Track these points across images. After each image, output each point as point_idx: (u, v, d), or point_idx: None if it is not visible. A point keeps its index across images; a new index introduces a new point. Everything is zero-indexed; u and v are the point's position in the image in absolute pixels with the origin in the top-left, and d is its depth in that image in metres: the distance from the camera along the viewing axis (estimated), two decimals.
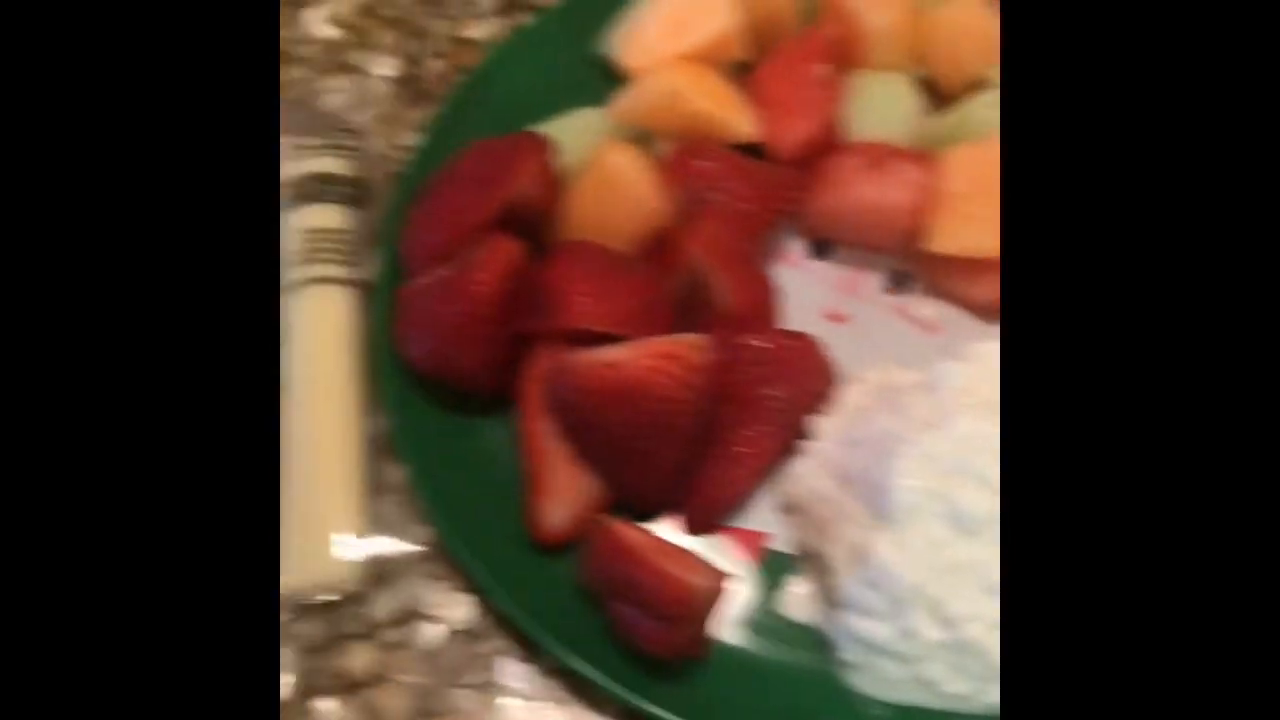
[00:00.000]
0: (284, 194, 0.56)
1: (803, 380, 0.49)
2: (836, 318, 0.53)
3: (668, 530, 0.49)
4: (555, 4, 0.61)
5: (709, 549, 0.49)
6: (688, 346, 0.45)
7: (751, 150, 0.54)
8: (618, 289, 0.47)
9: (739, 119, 0.53)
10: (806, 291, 0.54)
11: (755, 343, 0.48)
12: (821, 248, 0.56)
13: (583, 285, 0.46)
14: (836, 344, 0.50)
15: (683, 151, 0.52)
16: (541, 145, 0.49)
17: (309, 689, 0.47)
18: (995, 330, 0.48)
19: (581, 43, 0.59)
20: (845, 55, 0.55)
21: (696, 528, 0.49)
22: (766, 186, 0.52)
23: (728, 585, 0.45)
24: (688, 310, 0.51)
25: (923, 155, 0.53)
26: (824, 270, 0.55)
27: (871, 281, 0.54)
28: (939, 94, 0.57)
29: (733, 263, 0.49)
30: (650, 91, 0.53)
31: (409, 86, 0.62)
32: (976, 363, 0.46)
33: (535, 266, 0.49)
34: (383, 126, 0.61)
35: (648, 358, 0.44)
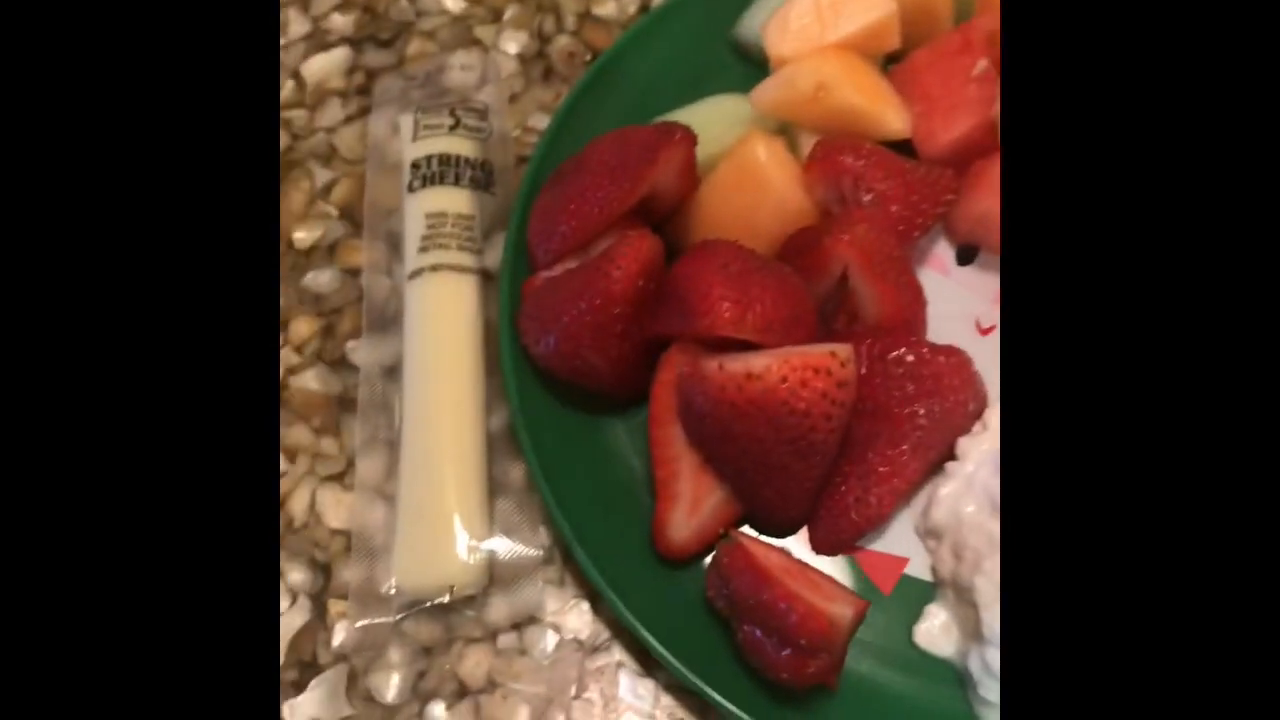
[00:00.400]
0: (407, 176, 0.54)
1: (951, 398, 0.45)
2: (987, 330, 0.50)
3: (796, 547, 0.46)
4: None
5: (839, 571, 0.46)
6: (833, 358, 0.42)
7: (899, 148, 0.51)
8: (761, 294, 0.44)
9: (891, 114, 0.50)
10: (955, 301, 0.50)
11: (903, 355, 0.45)
12: (968, 253, 0.52)
13: (724, 289, 0.43)
14: (987, 359, 0.47)
15: (830, 146, 0.49)
16: (687, 137, 0.47)
17: (418, 692, 0.46)
18: None
19: (719, 25, 0.56)
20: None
21: (828, 548, 0.47)
22: (919, 188, 0.49)
23: (865, 615, 0.42)
24: (827, 317, 0.48)
25: None
26: (973, 278, 0.51)
27: None
28: None
29: (882, 268, 0.46)
30: (797, 81, 0.49)
31: (537, 65, 0.60)
32: None
33: (667, 264, 0.47)
34: (510, 106, 0.59)
35: (790, 369, 0.42)
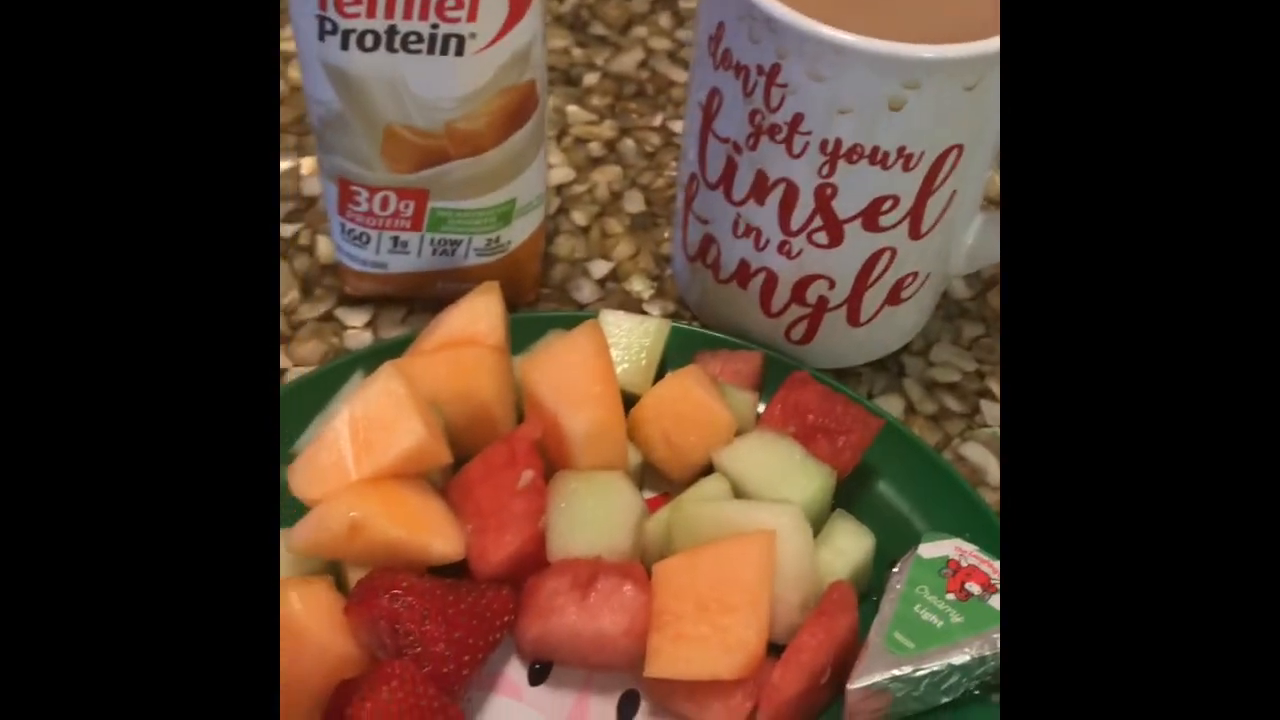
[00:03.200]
0: None
1: None
2: None
3: None
4: None
5: None
6: None
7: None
8: None
9: (437, 540, 0.48)
10: None
11: None
12: (540, 672, 0.50)
13: None
14: None
15: (367, 588, 0.46)
16: None
17: None
18: None
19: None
20: (551, 457, 0.52)
21: None
22: (467, 619, 0.46)
23: None
24: None
25: (634, 570, 0.48)
26: (546, 697, 0.49)
27: (600, 707, 0.48)
28: (661, 479, 0.54)
29: None
30: (329, 520, 0.47)
31: None
32: None
33: None
34: None
35: None
